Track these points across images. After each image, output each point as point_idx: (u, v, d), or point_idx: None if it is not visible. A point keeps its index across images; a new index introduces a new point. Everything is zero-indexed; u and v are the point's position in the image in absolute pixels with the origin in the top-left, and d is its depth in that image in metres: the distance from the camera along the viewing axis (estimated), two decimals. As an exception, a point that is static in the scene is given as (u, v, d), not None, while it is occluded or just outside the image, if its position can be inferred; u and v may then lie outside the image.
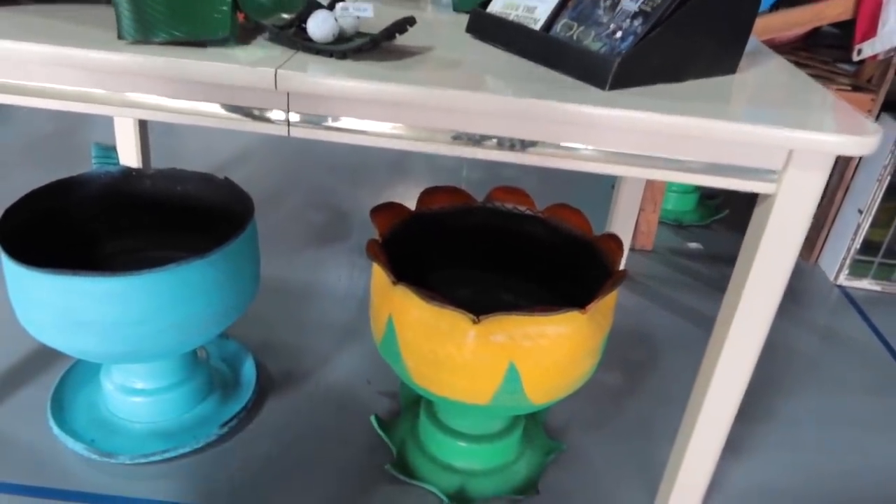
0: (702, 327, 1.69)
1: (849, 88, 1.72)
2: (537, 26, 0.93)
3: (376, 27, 0.93)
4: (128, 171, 1.28)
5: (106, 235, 1.30)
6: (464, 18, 1.07)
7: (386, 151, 2.54)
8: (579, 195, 2.20)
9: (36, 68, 0.84)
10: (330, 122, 0.85)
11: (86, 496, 1.12)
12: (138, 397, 1.22)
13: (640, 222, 1.94)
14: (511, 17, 0.97)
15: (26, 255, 1.09)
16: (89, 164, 1.27)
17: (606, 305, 1.03)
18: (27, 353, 1.40)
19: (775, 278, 0.90)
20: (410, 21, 0.88)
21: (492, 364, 0.96)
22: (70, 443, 1.18)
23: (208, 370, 1.32)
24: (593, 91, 0.83)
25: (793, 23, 1.59)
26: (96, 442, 1.19)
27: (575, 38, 0.89)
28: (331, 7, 0.89)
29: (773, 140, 0.79)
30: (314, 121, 0.85)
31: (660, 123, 0.79)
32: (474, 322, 0.94)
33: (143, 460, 1.17)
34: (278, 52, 0.85)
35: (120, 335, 1.02)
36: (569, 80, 0.86)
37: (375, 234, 1.11)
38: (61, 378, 1.30)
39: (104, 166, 1.26)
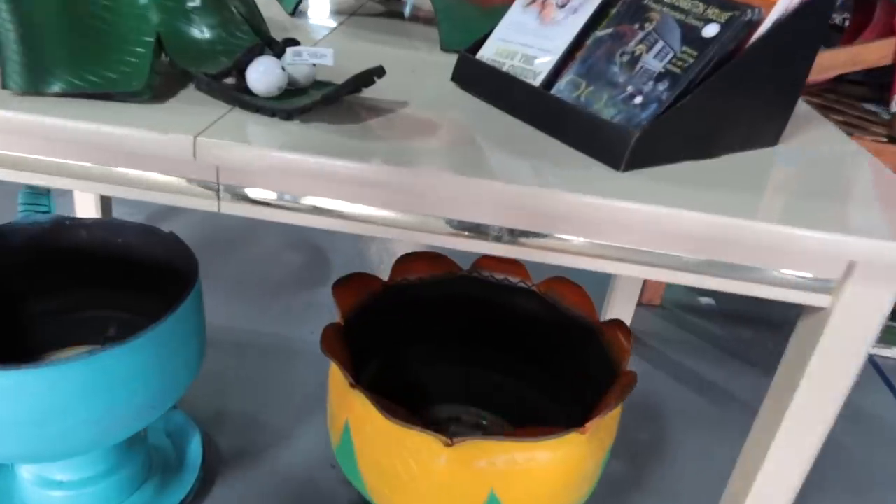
0: (712, 400, 1.51)
1: (885, 139, 1.54)
2: (537, 81, 0.76)
3: (342, 73, 0.75)
4: (60, 221, 1.10)
5: (34, 293, 1.12)
6: (450, 60, 0.89)
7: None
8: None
9: None
10: (270, 199, 0.67)
11: None
12: (56, 491, 1.03)
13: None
14: (505, 68, 0.79)
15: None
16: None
17: (611, 418, 0.85)
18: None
19: (825, 406, 0.72)
20: (378, 72, 0.70)
21: (468, 492, 0.78)
22: (-30, 546, 1.00)
23: (145, 452, 1.13)
24: (603, 172, 0.66)
25: (827, 66, 1.41)
26: (4, 542, 1.01)
27: (583, 99, 0.71)
28: (279, 53, 0.72)
29: (828, 248, 0.61)
30: (251, 197, 0.67)
31: (688, 222, 0.61)
32: (447, 445, 0.76)
33: (54, 571, 0.99)
34: (208, 108, 0.68)
35: (17, 435, 0.84)
36: (573, 154, 0.69)
37: (337, 314, 0.93)
38: (-27, 458, 1.12)
39: (32, 215, 1.09)
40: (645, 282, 1.75)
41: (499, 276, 1.07)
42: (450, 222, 0.66)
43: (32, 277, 1.11)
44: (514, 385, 1.13)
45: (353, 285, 0.97)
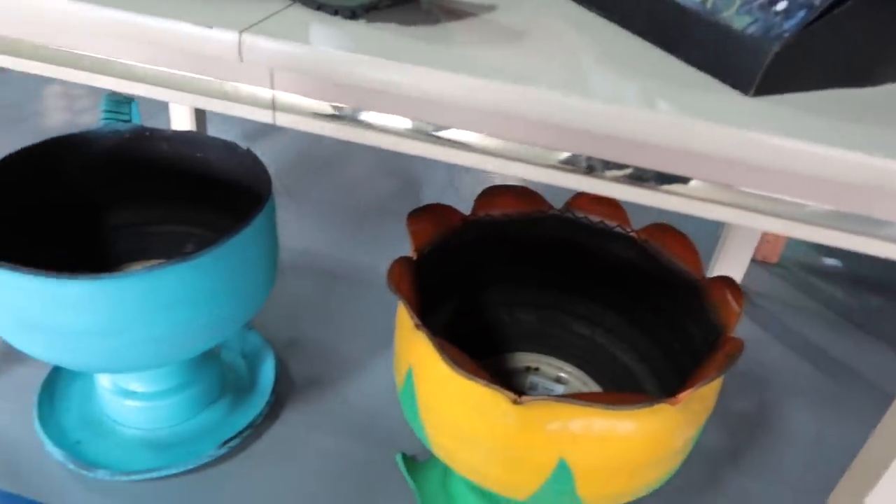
0: (830, 374, 1.34)
1: None
2: (654, -15, 0.62)
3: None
4: (141, 131, 1.07)
5: (116, 201, 1.11)
6: None
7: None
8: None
9: None
10: (326, 111, 0.59)
11: (56, 513, 0.97)
12: (132, 401, 1.04)
13: (767, 229, 1.58)
14: (616, -32, 0.66)
15: (9, 225, 0.92)
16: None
17: (709, 389, 0.74)
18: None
19: None
20: (461, -33, 0.59)
21: (535, 456, 0.70)
22: (49, 445, 1.02)
23: (220, 370, 1.13)
24: (728, 96, 0.53)
25: None
26: (82, 444, 1.03)
27: (709, 5, 0.57)
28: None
29: None
30: (308, 110, 0.59)
31: (831, 162, 0.48)
32: (514, 403, 0.67)
33: (124, 479, 1.00)
34: (263, 4, 0.60)
35: (81, 346, 0.82)
36: (692, 74, 0.56)
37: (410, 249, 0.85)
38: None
39: (113, 123, 1.06)
40: (762, 235, 1.57)
41: (594, 219, 0.95)
42: (537, 151, 0.56)
43: (111, 188, 1.10)
44: (601, 338, 1.02)
45: (430, 217, 0.88)
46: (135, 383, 1.04)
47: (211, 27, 0.54)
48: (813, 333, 1.45)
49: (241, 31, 0.53)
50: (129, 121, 1.08)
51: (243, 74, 0.58)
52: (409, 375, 0.77)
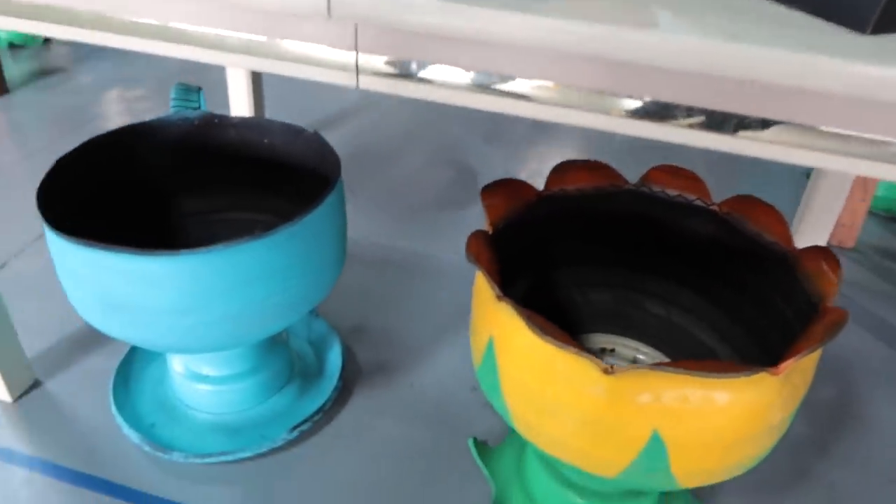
0: (918, 361, 1.28)
1: None
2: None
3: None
4: (209, 118, 1.08)
5: (184, 189, 1.12)
6: None
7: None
8: (752, 177, 1.79)
9: None
10: (420, 72, 0.57)
11: (134, 494, 0.98)
12: (203, 385, 1.05)
13: (841, 212, 1.51)
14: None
15: (82, 212, 0.93)
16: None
17: (809, 361, 0.70)
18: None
19: None
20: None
21: (626, 429, 0.67)
22: (125, 428, 1.04)
23: (288, 356, 1.12)
24: (842, 36, 0.50)
25: None
26: (156, 427, 1.04)
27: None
28: None
29: None
30: (396, 69, 0.58)
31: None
32: (606, 373, 0.65)
33: (198, 461, 1.00)
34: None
35: (162, 324, 0.83)
36: (802, 18, 0.53)
37: (485, 223, 0.83)
38: (131, 348, 1.16)
39: (182, 111, 1.08)
40: (838, 219, 1.51)
41: (671, 192, 0.92)
42: (643, 105, 0.54)
43: (180, 175, 1.11)
44: (678, 318, 0.99)
45: (504, 192, 0.86)
46: (206, 367, 1.05)
47: (301, -18, 0.53)
48: (892, 317, 1.38)
49: (331, -15, 0.53)
50: (197, 108, 1.09)
51: (326, 36, 0.58)
52: (490, 348, 0.75)
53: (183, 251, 0.78)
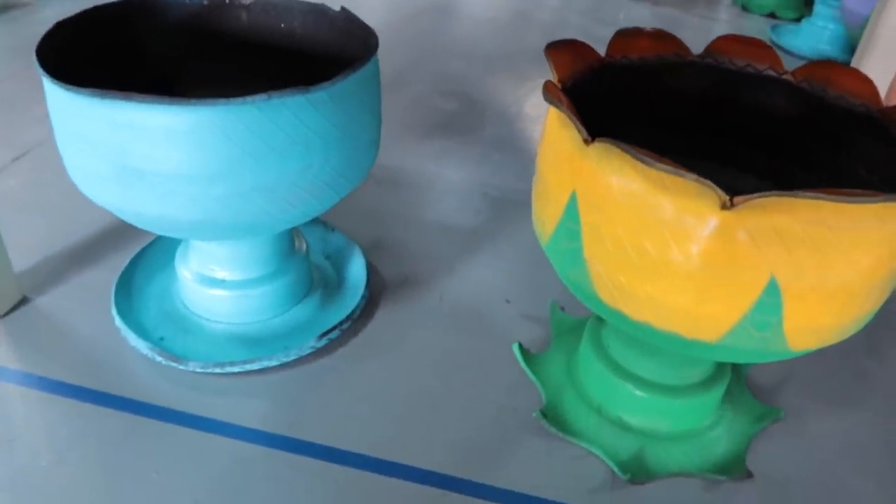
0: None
1: None
2: None
3: None
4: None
5: (188, 80, 1.01)
6: None
7: (526, 38, 2.15)
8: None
9: None
10: None
11: (143, 407, 0.87)
12: (219, 290, 0.94)
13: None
14: None
15: (76, 83, 0.81)
16: None
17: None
18: (97, 225, 1.16)
19: None
20: None
21: (741, 276, 0.60)
22: (133, 339, 0.93)
23: (307, 265, 1.03)
24: None
25: None
26: (165, 340, 0.94)
27: None
28: None
29: None
30: None
31: None
32: (724, 207, 0.57)
33: (217, 370, 0.90)
34: None
35: (187, 194, 0.72)
36: None
37: (552, 76, 0.75)
38: (132, 259, 1.05)
39: (190, -11, 0.96)
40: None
41: (739, 62, 0.85)
42: None
43: (189, 62, 1.00)
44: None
45: (570, 51, 0.78)
46: (222, 271, 0.94)
47: None
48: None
49: None
50: (212, -13, 0.98)
51: None
52: (572, 206, 0.67)
53: (217, 101, 0.68)
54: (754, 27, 2.35)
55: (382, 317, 1.04)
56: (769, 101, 0.86)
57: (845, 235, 0.58)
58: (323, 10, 0.96)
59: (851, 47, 1.95)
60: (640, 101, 0.88)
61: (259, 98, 0.69)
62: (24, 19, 1.98)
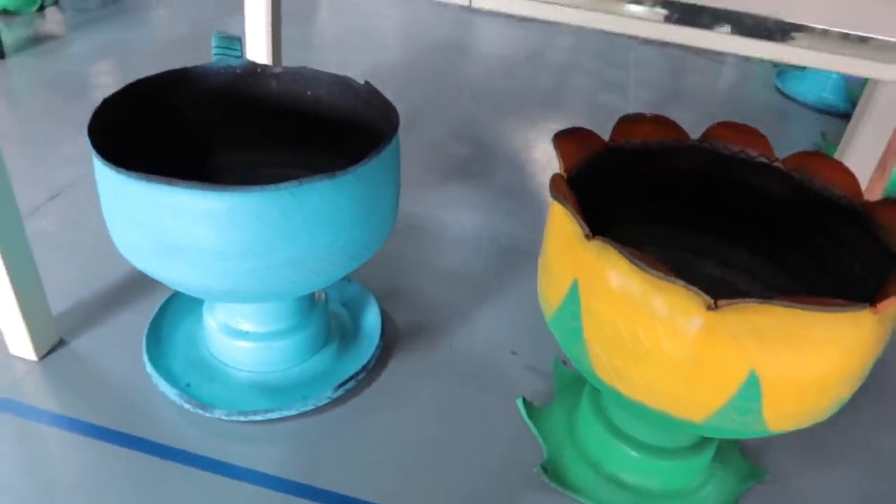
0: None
1: None
2: None
3: None
4: (252, 67, 1.05)
5: (220, 143, 1.08)
6: None
7: (538, 79, 2.21)
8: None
9: None
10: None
11: (171, 451, 0.94)
12: (243, 341, 1.01)
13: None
14: None
15: (120, 156, 0.88)
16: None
17: (894, 308, 0.70)
18: (129, 267, 1.23)
19: None
20: None
21: (723, 370, 0.66)
22: (162, 385, 0.99)
23: (326, 315, 1.09)
24: None
25: None
26: (192, 387, 1.00)
27: None
28: None
29: None
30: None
31: None
32: (709, 308, 0.63)
33: (241, 418, 0.97)
34: None
35: (222, 268, 0.79)
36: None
37: (559, 168, 0.81)
38: (161, 306, 1.12)
39: (225, 59, 1.04)
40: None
41: (733, 148, 0.92)
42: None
43: (221, 127, 1.07)
44: (734, 278, 0.98)
45: (575, 139, 0.85)
46: (247, 323, 1.01)
47: None
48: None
49: None
50: (239, 56, 1.05)
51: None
52: (573, 292, 0.74)
53: (252, 188, 0.75)
54: (760, 73, 2.41)
55: (395, 367, 1.10)
56: (761, 185, 0.92)
57: (819, 334, 0.64)
58: (348, 82, 1.03)
59: (853, 99, 2.01)
60: (642, 181, 0.94)
61: (290, 184, 0.76)
62: (55, 53, 2.06)
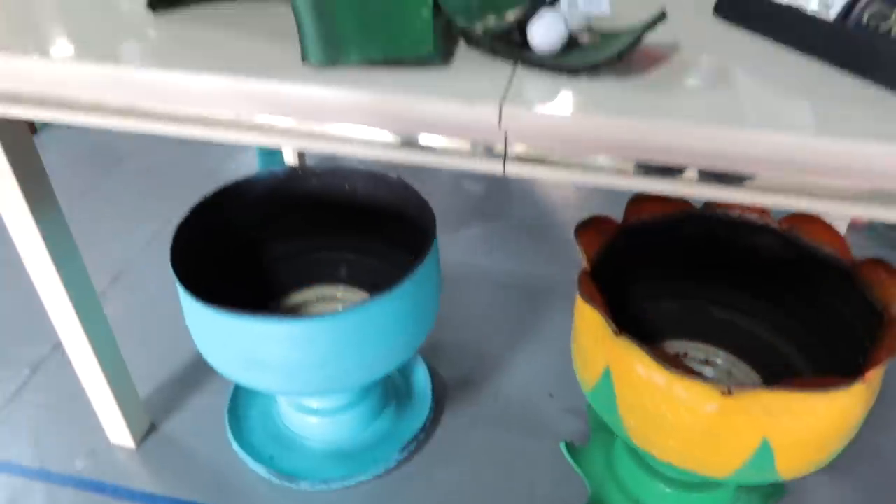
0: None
1: None
2: (830, 14, 0.69)
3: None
4: (293, 172, 1.17)
5: (273, 238, 1.21)
6: None
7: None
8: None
9: (208, 99, 0.71)
10: (561, 159, 0.67)
11: (269, 523, 1.08)
12: (314, 417, 1.15)
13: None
14: (784, 0, 0.73)
15: (194, 273, 1.01)
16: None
17: (882, 365, 0.82)
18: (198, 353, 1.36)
19: None
20: (661, 18, 0.67)
21: (739, 440, 0.79)
22: (251, 462, 1.13)
23: (383, 384, 1.23)
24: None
25: None
26: (275, 460, 1.14)
27: (895, 33, 0.65)
28: (552, 1, 0.70)
29: None
30: (540, 158, 0.67)
31: None
32: (723, 394, 0.76)
33: (324, 487, 1.11)
34: (491, 67, 0.68)
35: (303, 377, 0.93)
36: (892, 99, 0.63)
37: (582, 260, 0.93)
38: (235, 386, 1.26)
39: (268, 168, 1.16)
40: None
41: (734, 214, 1.03)
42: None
43: (271, 223, 1.19)
44: (742, 321, 1.10)
45: (593, 229, 0.97)
46: (316, 402, 1.15)
47: (473, 103, 0.62)
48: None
49: (500, 102, 0.62)
50: (281, 163, 1.17)
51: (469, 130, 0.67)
52: (607, 377, 0.86)
53: (326, 314, 0.87)
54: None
55: (447, 421, 1.24)
56: (762, 244, 1.03)
57: (819, 406, 0.77)
58: (382, 177, 1.15)
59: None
60: (658, 248, 1.06)
61: (359, 306, 0.88)
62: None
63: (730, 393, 0.76)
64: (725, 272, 1.09)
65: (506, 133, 0.65)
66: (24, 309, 1.43)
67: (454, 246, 1.65)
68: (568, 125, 0.62)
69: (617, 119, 0.60)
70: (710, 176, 0.65)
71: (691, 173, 0.64)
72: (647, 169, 0.66)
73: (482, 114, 0.62)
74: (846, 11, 0.69)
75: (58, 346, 1.36)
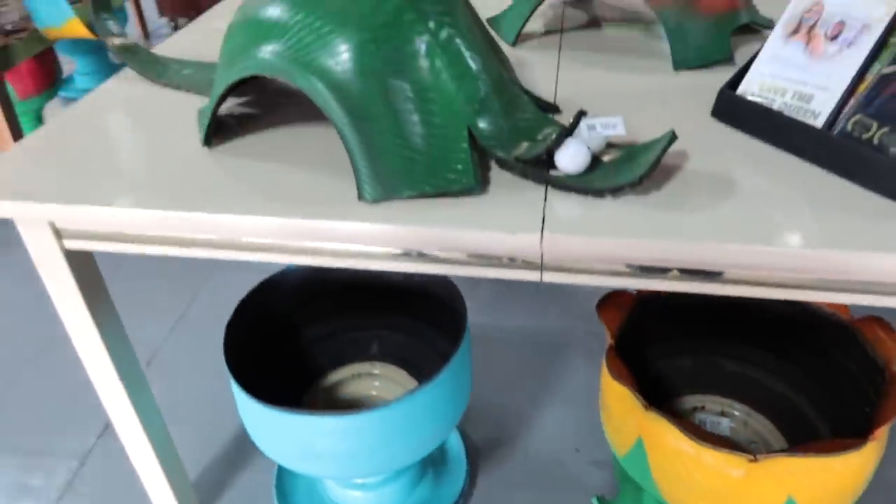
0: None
1: None
2: (818, 122, 0.79)
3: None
4: (323, 259, 1.24)
5: (307, 322, 1.28)
6: (689, 82, 0.94)
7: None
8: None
9: (266, 233, 0.78)
10: (598, 267, 0.75)
11: None
12: (358, 491, 1.22)
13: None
14: (776, 106, 0.82)
15: (242, 367, 1.07)
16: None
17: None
18: (238, 432, 1.43)
19: None
20: (673, 138, 0.76)
21: (766, 498, 0.87)
22: (302, 540, 1.20)
23: (420, 452, 1.30)
24: (916, 222, 0.69)
25: None
26: (323, 535, 1.21)
27: (877, 142, 0.74)
28: (573, 125, 0.79)
29: None
30: (573, 267, 0.76)
31: None
32: (750, 461, 0.84)
33: (375, 559, 1.17)
34: (523, 189, 0.76)
35: (354, 464, 1.00)
36: (876, 200, 0.72)
37: (607, 337, 1.01)
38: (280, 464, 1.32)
39: (301, 256, 1.23)
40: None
41: (738, 276, 1.12)
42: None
43: (305, 309, 1.27)
44: (754, 373, 1.19)
45: (612, 304, 1.05)
46: (360, 479, 1.21)
47: (515, 233, 0.71)
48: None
49: (541, 232, 0.70)
50: (312, 251, 1.24)
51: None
52: (640, 446, 0.94)
53: (374, 408, 0.95)
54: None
55: (482, 483, 1.31)
56: (769, 304, 1.12)
57: (836, 466, 0.85)
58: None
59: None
60: (669, 313, 1.15)
61: (404, 398, 0.95)
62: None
63: (755, 459, 0.84)
64: (736, 327, 1.18)
65: (542, 253, 0.73)
66: (69, 400, 1.49)
67: (470, 305, 1.72)
68: (600, 246, 0.70)
69: (646, 241, 0.69)
70: (694, 273, 0.74)
71: (676, 272, 0.73)
72: (642, 269, 0.74)
73: (524, 240, 0.71)
74: (831, 120, 0.78)
75: (102, 436, 1.42)
